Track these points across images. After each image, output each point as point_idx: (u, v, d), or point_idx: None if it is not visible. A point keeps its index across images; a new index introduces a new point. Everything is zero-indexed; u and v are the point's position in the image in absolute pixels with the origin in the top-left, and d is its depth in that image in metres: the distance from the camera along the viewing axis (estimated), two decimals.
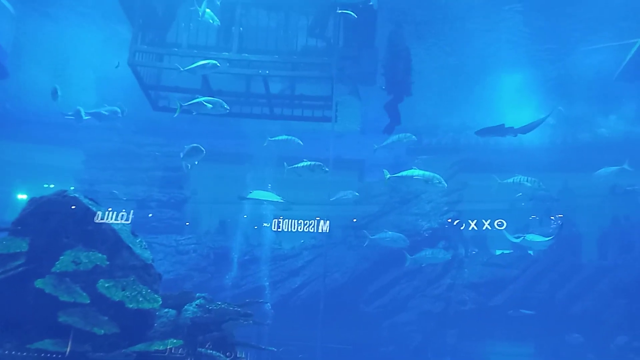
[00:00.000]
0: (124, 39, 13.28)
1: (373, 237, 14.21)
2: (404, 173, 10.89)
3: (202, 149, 10.52)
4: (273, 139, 12.01)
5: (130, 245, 7.95)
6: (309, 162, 11.09)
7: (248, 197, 14.34)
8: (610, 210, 16.70)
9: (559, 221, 15.88)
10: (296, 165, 11.24)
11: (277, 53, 12.16)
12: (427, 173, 10.78)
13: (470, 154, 16.98)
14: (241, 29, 11.84)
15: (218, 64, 10.97)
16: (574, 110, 16.57)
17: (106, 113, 13.83)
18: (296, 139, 12.27)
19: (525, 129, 12.33)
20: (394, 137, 12.97)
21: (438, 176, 10.81)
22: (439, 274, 15.55)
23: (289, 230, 19.35)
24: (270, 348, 9.24)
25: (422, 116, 16.58)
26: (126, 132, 18.51)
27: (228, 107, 10.96)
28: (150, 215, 17.38)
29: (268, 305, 14.48)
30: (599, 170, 14.27)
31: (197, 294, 8.37)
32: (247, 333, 12.14)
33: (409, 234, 15.90)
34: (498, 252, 15.94)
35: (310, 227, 19.24)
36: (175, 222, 17.40)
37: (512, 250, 15.79)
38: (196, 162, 10.92)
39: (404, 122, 14.11)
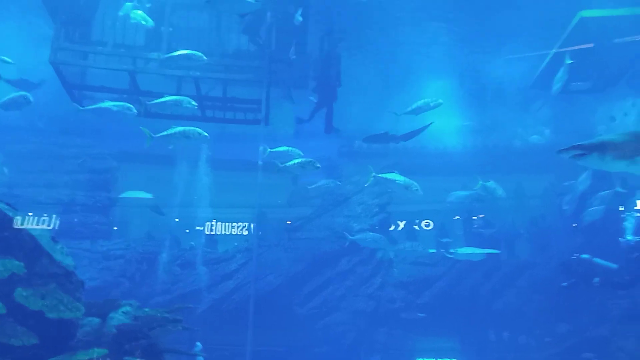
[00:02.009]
0: (42, 33, 12.73)
1: (353, 237, 14.76)
2: (387, 176, 11.36)
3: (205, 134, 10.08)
4: (273, 150, 11.25)
5: (50, 251, 7.62)
6: (300, 160, 10.58)
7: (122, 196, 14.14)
8: (528, 211, 17.75)
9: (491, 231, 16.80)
10: (287, 164, 10.63)
11: (208, 55, 12.04)
12: (407, 180, 11.22)
13: (399, 158, 17.51)
14: (171, 29, 11.64)
15: (204, 57, 10.63)
16: (495, 115, 17.50)
17: (115, 109, 11.10)
18: (296, 150, 11.69)
19: (407, 136, 13.25)
20: (419, 102, 12.82)
21: (416, 184, 11.17)
22: (370, 273, 15.93)
23: (223, 233, 19.21)
24: (200, 354, 9.14)
25: (354, 120, 16.92)
26: (48, 132, 17.63)
27: (196, 103, 10.67)
28: (75, 220, 16.63)
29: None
30: (452, 193, 15.36)
31: (124, 301, 8.16)
32: (179, 339, 11.96)
33: (341, 236, 16.22)
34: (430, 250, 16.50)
35: (245, 229, 19.17)
36: (102, 227, 16.72)
37: (437, 250, 16.48)
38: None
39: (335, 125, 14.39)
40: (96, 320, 7.74)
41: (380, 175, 11.37)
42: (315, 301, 15.53)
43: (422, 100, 12.88)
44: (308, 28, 12.44)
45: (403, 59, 15.74)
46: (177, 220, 18.77)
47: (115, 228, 17.55)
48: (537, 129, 16.69)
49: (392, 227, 17.53)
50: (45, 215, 8.05)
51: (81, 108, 11.36)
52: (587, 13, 12.39)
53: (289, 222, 17.48)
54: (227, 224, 19.34)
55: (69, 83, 12.38)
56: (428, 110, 12.89)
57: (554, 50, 13.95)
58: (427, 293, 15.37)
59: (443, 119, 15.72)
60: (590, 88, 14.96)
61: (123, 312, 7.88)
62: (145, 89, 12.28)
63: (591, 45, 13.05)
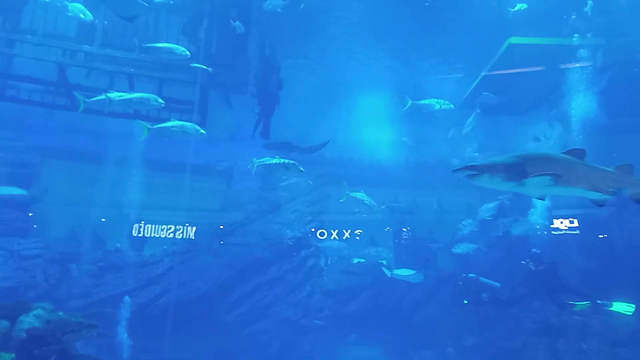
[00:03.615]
0: None
1: (320, 244, 15.63)
2: (357, 194, 13.21)
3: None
4: (259, 160, 10.47)
5: None
6: (282, 160, 9.93)
7: None
8: (450, 224, 18.41)
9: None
10: (267, 163, 10.01)
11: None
12: (371, 200, 13.35)
13: (334, 168, 17.74)
14: (105, 22, 11.28)
15: (188, 54, 10.15)
16: (426, 132, 18.10)
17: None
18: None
19: (311, 150, 13.90)
20: (432, 100, 12.92)
21: (376, 205, 13.22)
22: (300, 281, 15.95)
23: (151, 235, 18.67)
24: None
25: (292, 128, 17.03)
26: None
27: (163, 102, 10.24)
28: None
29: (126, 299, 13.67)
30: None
31: (36, 304, 7.74)
32: (98, 345, 11.48)
33: (273, 242, 16.20)
34: (355, 260, 16.74)
35: (176, 232, 18.72)
36: (20, 224, 15.74)
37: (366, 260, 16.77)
38: None
39: (273, 133, 14.44)
40: (5, 323, 7.30)
41: (351, 194, 12.95)
42: (243, 308, 15.34)
43: (435, 100, 13.12)
44: (249, 33, 12.43)
45: (341, 71, 16.02)
46: (103, 220, 18.09)
47: (35, 226, 16.64)
48: (465, 146, 17.34)
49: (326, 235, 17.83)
50: None
51: (87, 100, 10.40)
52: (515, 40, 13.14)
53: (221, 227, 17.23)
54: (156, 226, 18.90)
55: None
56: (435, 110, 13.11)
57: (483, 73, 14.69)
58: (355, 302, 15.58)
59: (379, 133, 16.16)
60: (513, 110, 15.89)
61: (34, 315, 7.46)
62: (74, 82, 11.82)
63: (518, 70, 13.90)
